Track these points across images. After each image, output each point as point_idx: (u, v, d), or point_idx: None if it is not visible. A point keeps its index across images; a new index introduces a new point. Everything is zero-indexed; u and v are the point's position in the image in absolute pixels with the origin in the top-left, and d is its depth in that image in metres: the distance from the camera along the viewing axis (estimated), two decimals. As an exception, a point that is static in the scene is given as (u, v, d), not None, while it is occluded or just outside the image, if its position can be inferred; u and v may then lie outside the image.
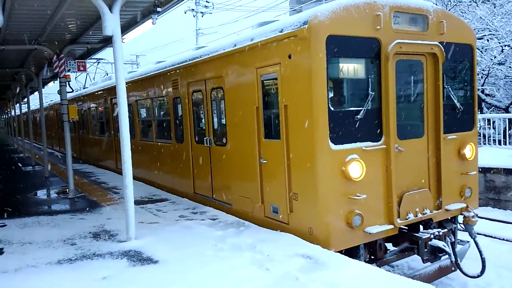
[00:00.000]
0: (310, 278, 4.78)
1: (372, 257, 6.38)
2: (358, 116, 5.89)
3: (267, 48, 6.39)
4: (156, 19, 7.98)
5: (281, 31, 6.10)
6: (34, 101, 25.12)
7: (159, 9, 7.81)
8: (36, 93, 20.30)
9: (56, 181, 13.53)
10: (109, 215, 8.48)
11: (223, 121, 7.92)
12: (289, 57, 5.93)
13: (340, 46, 5.72)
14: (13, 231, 7.53)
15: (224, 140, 7.92)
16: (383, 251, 6.42)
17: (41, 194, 11.59)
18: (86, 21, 9.27)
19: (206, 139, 8.42)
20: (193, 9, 29.78)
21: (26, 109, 20.61)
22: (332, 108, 5.73)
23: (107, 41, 10.99)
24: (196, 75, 8.52)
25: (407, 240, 6.55)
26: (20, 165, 18.71)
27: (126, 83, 11.73)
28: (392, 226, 6.10)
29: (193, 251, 5.88)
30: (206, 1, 29.86)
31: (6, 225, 8.04)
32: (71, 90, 11.99)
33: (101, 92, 15.14)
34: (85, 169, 16.27)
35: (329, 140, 5.69)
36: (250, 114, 6.92)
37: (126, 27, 9.31)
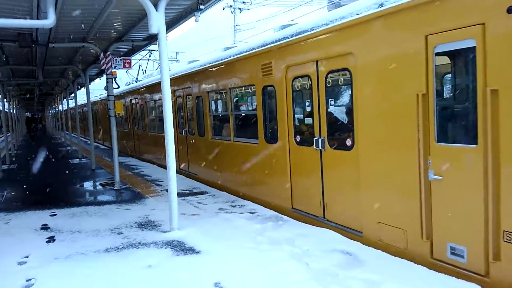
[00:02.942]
0: (350, 274, 4.79)
1: None
2: None
3: (452, 2, 4.46)
4: (199, 16, 8.13)
5: None
6: (80, 96, 26.10)
7: (202, 6, 7.95)
8: (83, 89, 21.13)
9: (102, 173, 14.05)
10: (152, 206, 8.78)
11: (347, 116, 6.22)
12: (509, 11, 3.98)
13: None
14: (63, 220, 7.91)
15: (348, 142, 6.11)
16: None
17: (88, 185, 12.09)
18: (131, 20, 9.56)
19: (316, 140, 6.58)
20: (231, 6, 29.98)
21: (73, 105, 21.42)
22: None
23: (151, 39, 11.27)
24: (301, 54, 6.76)
25: None
26: (68, 158, 19.47)
27: (194, 72, 10.95)
28: None
29: (233, 243, 6.01)
30: (245, -3, 29.99)
31: (56, 214, 8.45)
32: (117, 86, 12.35)
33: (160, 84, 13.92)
34: (128, 162, 16.83)
35: None
36: (406, 104, 4.99)
37: (170, 25, 9.52)
